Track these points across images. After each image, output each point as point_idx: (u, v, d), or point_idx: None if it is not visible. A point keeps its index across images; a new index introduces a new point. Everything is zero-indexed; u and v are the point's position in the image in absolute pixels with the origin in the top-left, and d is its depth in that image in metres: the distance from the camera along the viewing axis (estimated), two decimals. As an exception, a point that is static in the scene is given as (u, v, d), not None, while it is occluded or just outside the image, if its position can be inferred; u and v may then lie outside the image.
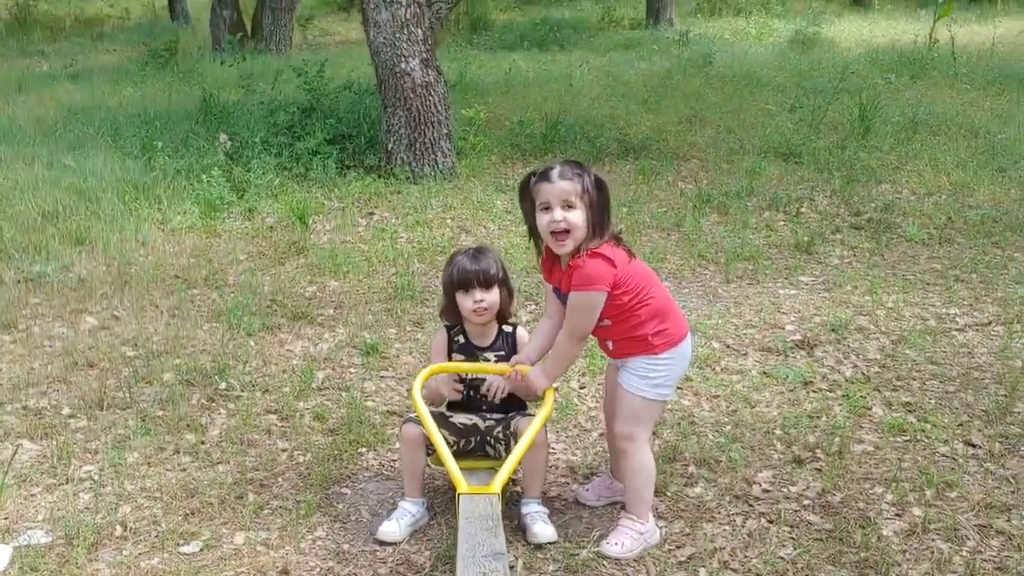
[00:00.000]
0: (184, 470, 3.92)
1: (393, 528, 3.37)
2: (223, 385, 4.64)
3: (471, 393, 3.58)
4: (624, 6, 21.77)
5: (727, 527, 3.43)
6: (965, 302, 5.59)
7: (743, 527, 3.43)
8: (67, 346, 5.07)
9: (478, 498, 3.10)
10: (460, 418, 3.54)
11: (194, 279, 6.04)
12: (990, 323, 5.28)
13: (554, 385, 3.44)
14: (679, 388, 4.42)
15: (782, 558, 3.23)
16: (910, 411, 4.26)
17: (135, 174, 7.76)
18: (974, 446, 3.95)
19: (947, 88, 11.56)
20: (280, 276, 6.08)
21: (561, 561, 3.21)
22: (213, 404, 4.49)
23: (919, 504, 3.51)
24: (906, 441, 4.00)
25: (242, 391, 4.59)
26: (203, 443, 4.13)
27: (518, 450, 3.23)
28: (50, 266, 6.10)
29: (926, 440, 4.00)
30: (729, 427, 4.16)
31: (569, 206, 3.09)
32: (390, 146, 8.11)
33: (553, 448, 4.04)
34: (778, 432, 4.09)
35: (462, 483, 3.17)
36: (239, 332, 5.25)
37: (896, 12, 20.45)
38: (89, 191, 7.32)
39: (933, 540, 3.30)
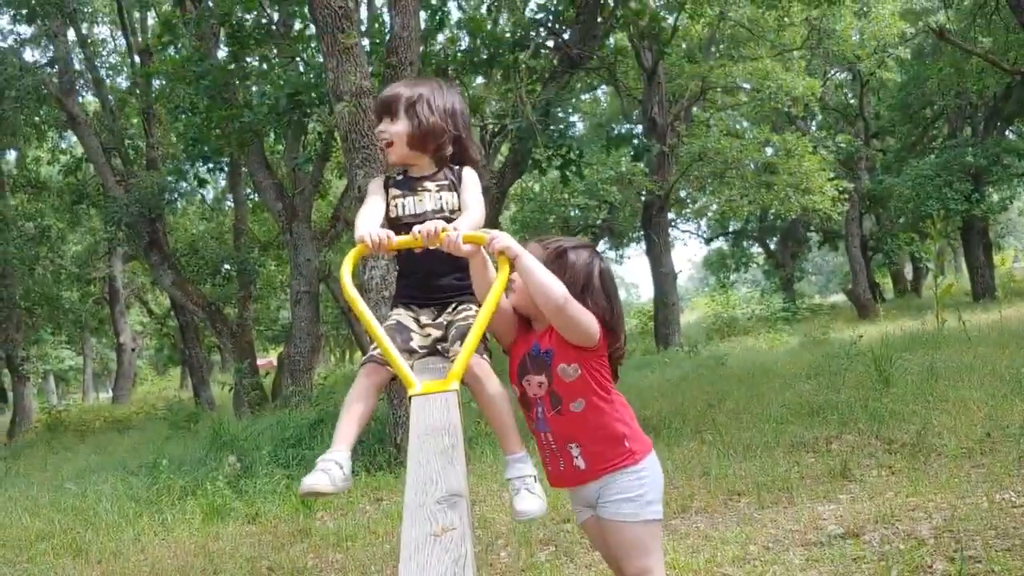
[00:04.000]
0: None
1: (322, 479, 2.64)
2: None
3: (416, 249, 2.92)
4: (636, 343, 22.28)
5: None
6: (1020, 488, 5.11)
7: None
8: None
9: (432, 400, 2.49)
10: (420, 340, 2.94)
11: (191, 568, 5.62)
12: (1050, 498, 4.79)
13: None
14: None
15: None
16: (977, 561, 3.74)
17: (138, 491, 7.51)
18: (1056, 578, 3.42)
19: (962, 351, 11.43)
20: (282, 557, 5.66)
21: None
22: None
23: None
24: (977, 584, 3.47)
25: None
26: None
27: (470, 339, 2.66)
28: (36, 569, 5.72)
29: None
30: (774, 601, 3.64)
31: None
32: (398, 439, 7.91)
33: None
34: (830, 598, 3.57)
35: (415, 383, 2.59)
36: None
37: (902, 317, 20.84)
38: (88, 508, 7.04)
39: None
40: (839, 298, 32.63)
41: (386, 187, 3.10)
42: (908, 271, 37.03)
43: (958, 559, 3.81)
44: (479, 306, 2.83)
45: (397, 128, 3.00)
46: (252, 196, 20.81)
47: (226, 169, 18.52)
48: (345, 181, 16.19)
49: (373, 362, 2.83)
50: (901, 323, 18.55)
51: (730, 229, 35.62)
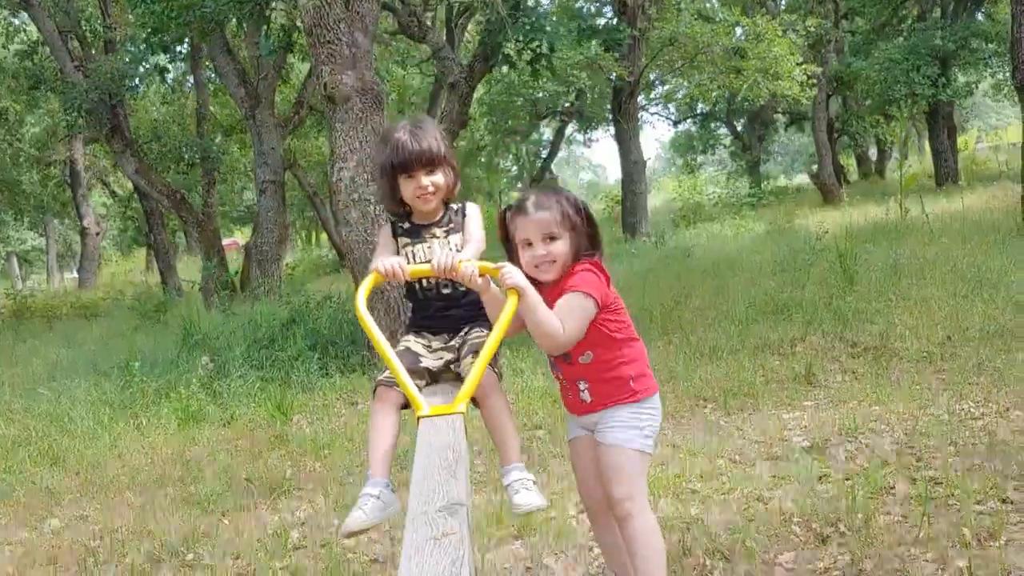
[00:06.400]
0: (145, 640, 3.50)
1: (358, 516, 2.76)
2: (190, 556, 4.26)
3: (427, 281, 3.16)
4: (602, 231, 22.29)
5: (751, 607, 3.02)
6: (979, 397, 5.28)
7: (769, 605, 3.01)
8: (28, 548, 4.70)
9: (439, 422, 2.62)
10: (431, 361, 3.08)
11: (168, 478, 5.71)
12: (1008, 409, 4.96)
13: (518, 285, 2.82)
14: (682, 498, 4.06)
15: (816, 625, 2.81)
16: (937, 483, 3.89)
17: (112, 395, 7.55)
18: (1011, 502, 3.57)
19: (925, 244, 11.60)
20: (259, 467, 5.76)
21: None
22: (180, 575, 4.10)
23: (962, 556, 3.11)
24: (936, 507, 3.62)
25: (211, 560, 4.20)
26: (168, 614, 3.73)
27: (481, 359, 2.77)
28: (15, 479, 5.78)
29: (958, 504, 3.62)
30: (743, 522, 3.78)
31: (551, 237, 2.88)
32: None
33: (553, 568, 3.65)
34: (796, 519, 3.71)
35: (423, 405, 2.70)
36: (212, 513, 4.89)
37: (866, 203, 20.99)
38: (63, 414, 7.08)
39: (984, 585, 2.90)
40: (804, 180, 32.71)
41: (394, 234, 3.21)
42: (872, 153, 37.12)
43: (919, 480, 3.96)
44: (489, 329, 2.94)
45: (439, 179, 3.12)
46: (214, 79, 20.30)
47: (186, 52, 18.03)
48: (308, 64, 15.80)
49: (382, 385, 2.94)
50: (865, 210, 18.70)
51: (698, 111, 35.39)
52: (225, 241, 24.49)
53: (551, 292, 2.92)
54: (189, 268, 25.77)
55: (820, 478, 4.20)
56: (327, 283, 20.54)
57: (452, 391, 2.89)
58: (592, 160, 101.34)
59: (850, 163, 36.61)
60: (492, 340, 2.80)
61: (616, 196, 26.39)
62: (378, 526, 2.92)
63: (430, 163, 3.10)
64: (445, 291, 3.15)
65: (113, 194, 34.66)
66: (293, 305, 9.07)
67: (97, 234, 29.61)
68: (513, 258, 3.01)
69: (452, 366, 3.07)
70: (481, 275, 2.84)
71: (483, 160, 36.40)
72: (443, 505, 2.07)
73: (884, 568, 3.12)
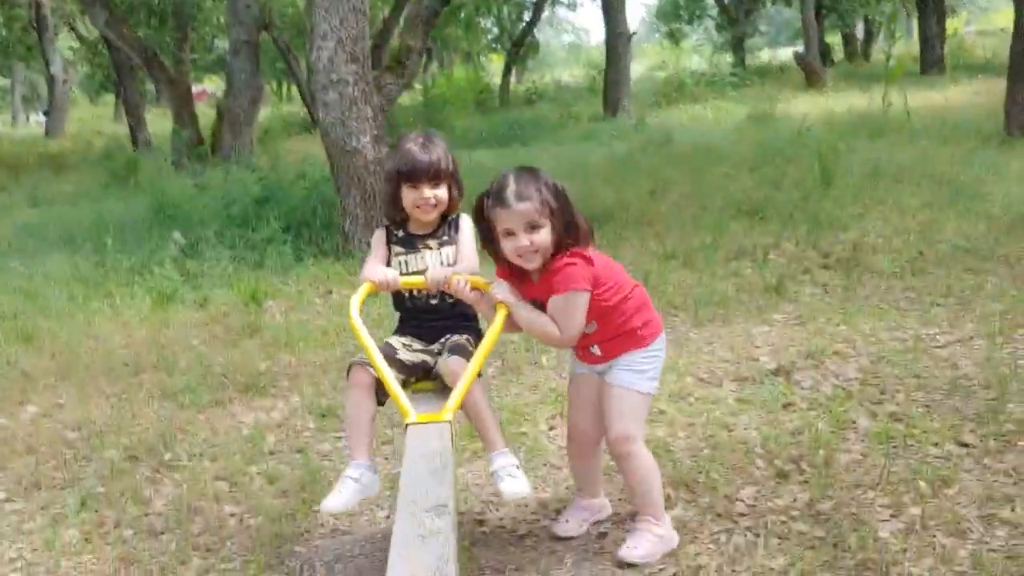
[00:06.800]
0: (124, 542, 3.60)
1: (336, 501, 3.01)
2: (168, 456, 4.35)
3: (416, 292, 3.30)
4: (583, 104, 22.09)
5: (711, 545, 3.16)
6: (944, 322, 5.39)
7: (728, 543, 3.15)
8: (6, 436, 4.77)
9: (428, 429, 2.76)
10: (407, 355, 3.23)
11: (143, 365, 5.77)
12: (971, 338, 5.07)
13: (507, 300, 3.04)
14: (650, 420, 4.16)
15: (773, 569, 2.95)
16: (897, 420, 4.01)
17: (85, 272, 7.54)
18: (967, 445, 3.70)
19: (905, 144, 11.60)
20: (233, 356, 5.81)
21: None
22: (158, 475, 4.20)
23: (915, 503, 3.25)
24: (895, 447, 3.75)
25: (189, 461, 4.30)
26: (146, 515, 3.83)
27: (470, 370, 2.94)
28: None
29: (916, 444, 3.75)
30: (707, 450, 3.90)
31: (533, 227, 2.90)
32: (346, 228, 7.96)
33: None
34: (758, 451, 3.84)
35: (410, 412, 2.86)
36: (188, 408, 4.97)
37: (849, 89, 20.84)
38: (36, 290, 7.08)
39: (934, 536, 3.04)
40: (788, 57, 32.25)
41: (388, 241, 3.32)
42: (859, 31, 36.62)
43: (880, 415, 4.08)
44: (470, 336, 3.22)
45: (442, 194, 3.24)
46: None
47: None
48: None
49: (356, 364, 3.09)
50: (848, 97, 18.60)
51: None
52: (195, 90, 23.93)
53: (540, 285, 3.00)
54: (158, 121, 25.24)
55: (785, 406, 4.31)
56: (299, 144, 20.32)
57: (435, 400, 3.03)
58: (575, 23, 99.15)
59: (836, 42, 36.14)
60: (481, 351, 2.95)
61: (597, 64, 25.99)
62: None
63: (435, 176, 3.20)
64: (433, 302, 3.27)
65: (80, 39, 33.61)
66: (266, 181, 8.97)
67: (65, 82, 28.90)
68: (491, 241, 3.03)
69: (430, 369, 3.24)
70: (473, 289, 3.06)
71: (463, 18, 35.51)
72: (430, 506, 2.14)
73: (841, 511, 3.25)
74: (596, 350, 3.12)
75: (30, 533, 3.74)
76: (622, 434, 3.08)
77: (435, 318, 3.30)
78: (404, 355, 3.20)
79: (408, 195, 3.22)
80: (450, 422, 2.81)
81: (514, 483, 2.95)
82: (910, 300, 5.90)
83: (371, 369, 3.03)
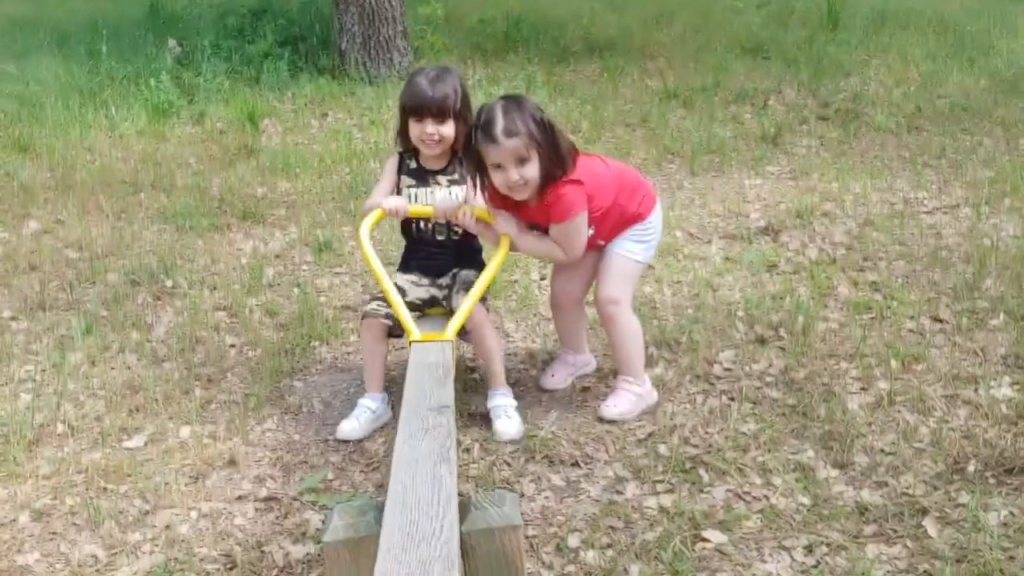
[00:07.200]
0: (129, 368, 3.77)
1: (352, 425, 3.23)
2: (169, 283, 4.48)
3: (424, 224, 3.39)
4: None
5: (687, 405, 3.34)
6: (933, 186, 5.48)
7: (704, 405, 3.33)
8: (8, 251, 4.88)
9: (430, 345, 2.93)
10: (416, 293, 3.36)
11: (141, 183, 5.82)
12: (958, 205, 5.17)
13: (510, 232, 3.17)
14: (641, 274, 4.29)
15: (744, 433, 3.13)
16: (876, 290, 4.15)
17: (80, 80, 7.45)
18: (941, 321, 3.85)
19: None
20: (230, 178, 5.86)
21: (519, 441, 3.12)
22: (159, 302, 4.33)
23: (885, 378, 3.41)
24: (872, 318, 3.90)
25: (189, 289, 4.43)
26: (149, 341, 3.98)
27: (472, 295, 3.09)
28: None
29: (892, 317, 3.90)
30: (691, 310, 4.05)
31: (522, 160, 2.93)
32: (343, 46, 7.83)
33: (512, 336, 3.93)
34: (740, 314, 3.98)
35: (414, 331, 3.02)
36: (187, 233, 5.07)
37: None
38: (32, 97, 7.02)
39: (899, 412, 3.21)
40: None
41: (399, 170, 3.36)
42: None
43: (861, 284, 4.22)
44: (477, 271, 3.26)
45: (447, 131, 3.24)
46: None
47: None
48: None
49: (368, 316, 3.25)
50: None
51: None
52: None
53: (537, 211, 3.09)
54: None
55: (770, 267, 4.44)
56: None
57: (441, 322, 3.17)
58: None
59: None
60: (484, 278, 3.10)
61: None
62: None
63: (441, 113, 3.21)
64: (439, 237, 3.37)
65: None
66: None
67: None
68: (481, 171, 3.05)
69: (443, 302, 3.35)
70: (478, 221, 3.16)
71: None
72: (433, 405, 2.29)
73: (814, 381, 3.42)
74: (599, 241, 3.24)
75: (37, 354, 3.88)
76: (611, 296, 3.23)
77: (441, 252, 3.39)
78: (412, 294, 3.32)
79: (414, 128, 3.25)
80: (451, 341, 2.96)
81: (509, 424, 3.16)
82: (903, 160, 5.95)
83: (382, 317, 3.20)
